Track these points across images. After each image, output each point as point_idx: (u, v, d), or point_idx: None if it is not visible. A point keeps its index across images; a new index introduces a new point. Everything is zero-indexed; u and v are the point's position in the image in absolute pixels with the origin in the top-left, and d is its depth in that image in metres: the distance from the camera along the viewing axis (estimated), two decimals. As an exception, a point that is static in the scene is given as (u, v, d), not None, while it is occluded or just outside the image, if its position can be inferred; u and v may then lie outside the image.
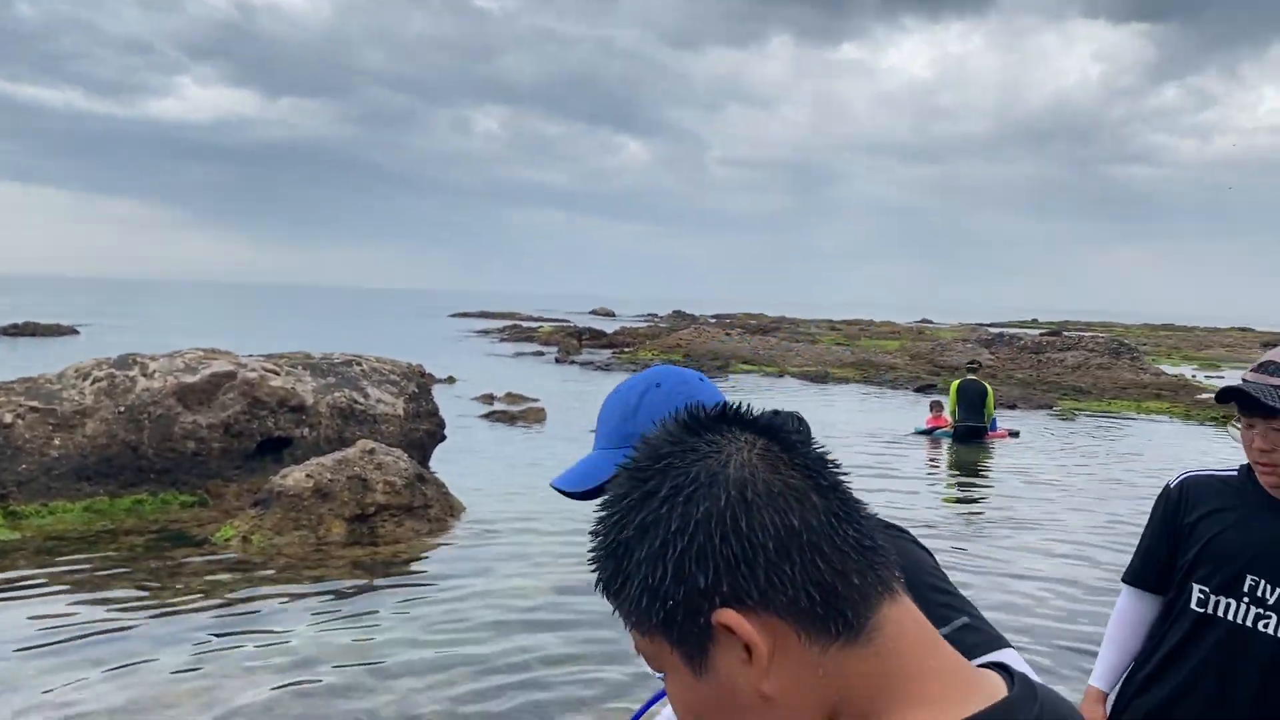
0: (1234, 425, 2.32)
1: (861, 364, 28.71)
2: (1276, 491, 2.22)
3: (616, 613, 0.81)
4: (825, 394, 22.75)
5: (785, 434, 0.80)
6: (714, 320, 50.56)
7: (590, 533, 0.83)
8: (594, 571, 0.82)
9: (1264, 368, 2.17)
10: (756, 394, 22.57)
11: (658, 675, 2.93)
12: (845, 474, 0.81)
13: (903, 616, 0.78)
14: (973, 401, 15.36)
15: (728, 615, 0.74)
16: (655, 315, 73.83)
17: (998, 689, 0.78)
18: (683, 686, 0.79)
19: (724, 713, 0.77)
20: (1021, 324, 75.40)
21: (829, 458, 0.82)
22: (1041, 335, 36.67)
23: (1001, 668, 0.83)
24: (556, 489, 1.64)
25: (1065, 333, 41.55)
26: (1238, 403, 2.19)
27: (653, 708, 3.38)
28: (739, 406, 0.84)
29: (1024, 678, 0.81)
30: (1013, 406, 20.46)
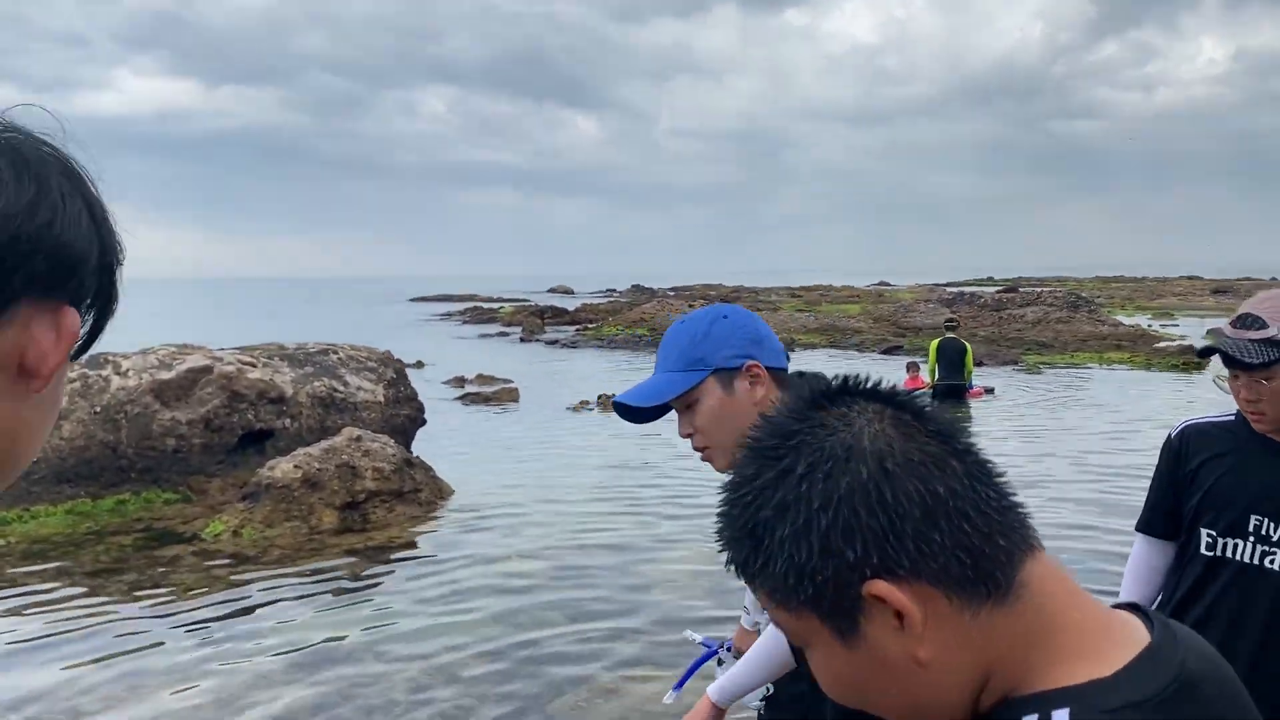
0: (1218, 381, 2.38)
1: (826, 329, 28.89)
2: (1271, 434, 2.28)
3: (757, 590, 0.82)
4: (794, 361, 22.84)
5: (912, 402, 0.82)
6: (673, 293, 50.57)
7: (719, 514, 0.83)
8: (726, 552, 0.83)
9: (1241, 321, 2.22)
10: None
11: (706, 643, 2.91)
12: (973, 437, 0.82)
13: (1045, 572, 0.80)
14: (952, 360, 15.51)
15: (879, 586, 0.75)
16: (614, 291, 73.73)
17: (1140, 633, 0.80)
18: (832, 659, 0.80)
19: (877, 681, 0.79)
20: (978, 282, 76.30)
21: (956, 422, 0.83)
22: (999, 293, 37.11)
23: (1133, 608, 0.85)
24: (620, 406, 1.71)
25: (1021, 289, 42.08)
26: (1221, 358, 2.27)
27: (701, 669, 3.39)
28: (859, 378, 0.85)
29: (1159, 618, 0.82)
30: (980, 363, 20.73)
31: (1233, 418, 2.42)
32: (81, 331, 0.69)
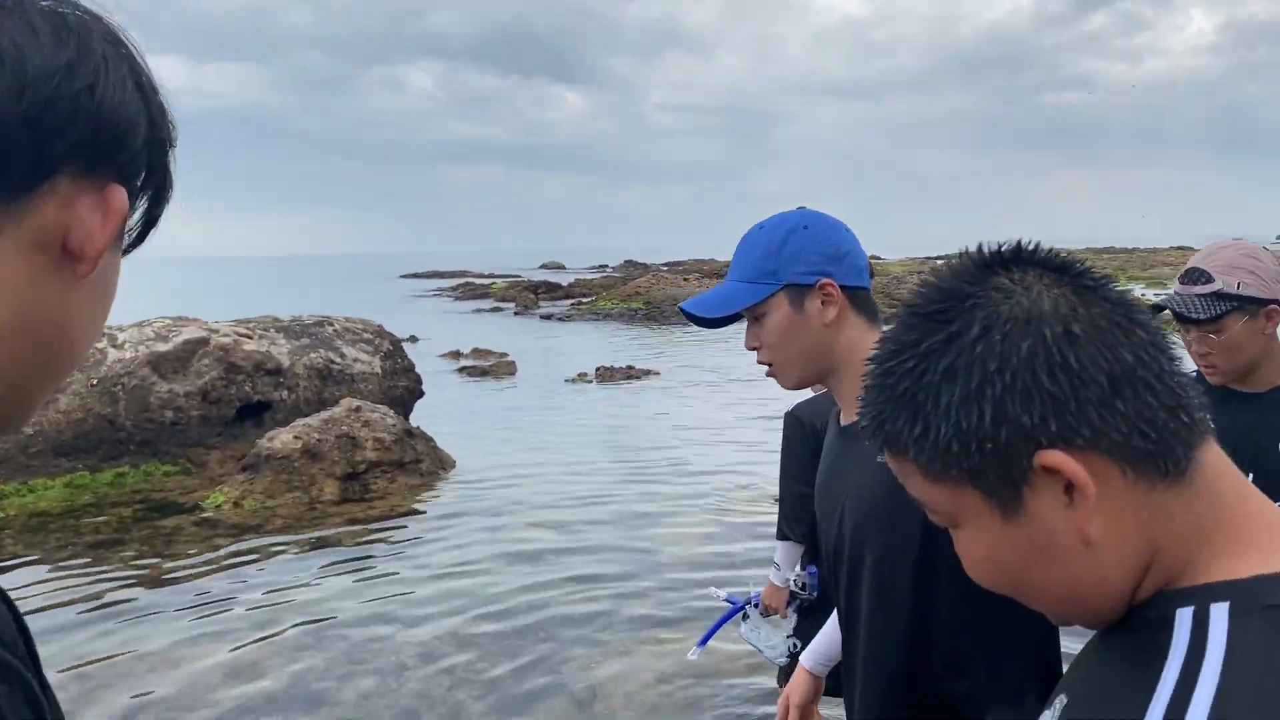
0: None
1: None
2: (1229, 385, 2.28)
3: (905, 464, 0.77)
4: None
5: (1090, 270, 0.77)
6: (666, 268, 50.44)
7: (870, 384, 0.79)
8: (876, 424, 0.78)
9: (1188, 275, 2.23)
10: (724, 338, 22.65)
11: (731, 599, 2.88)
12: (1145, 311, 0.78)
13: (1217, 460, 0.76)
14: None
15: (1054, 456, 0.71)
16: (606, 266, 73.51)
17: None
18: (986, 538, 0.76)
19: (1035, 559, 0.75)
20: (969, 255, 76.04)
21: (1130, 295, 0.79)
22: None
23: None
24: (688, 313, 1.63)
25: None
26: (1172, 314, 2.25)
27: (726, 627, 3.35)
28: (1034, 243, 0.80)
29: None
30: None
31: (1196, 372, 2.42)
32: (135, 218, 0.65)
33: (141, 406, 9.13)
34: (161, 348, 9.40)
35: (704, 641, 3.26)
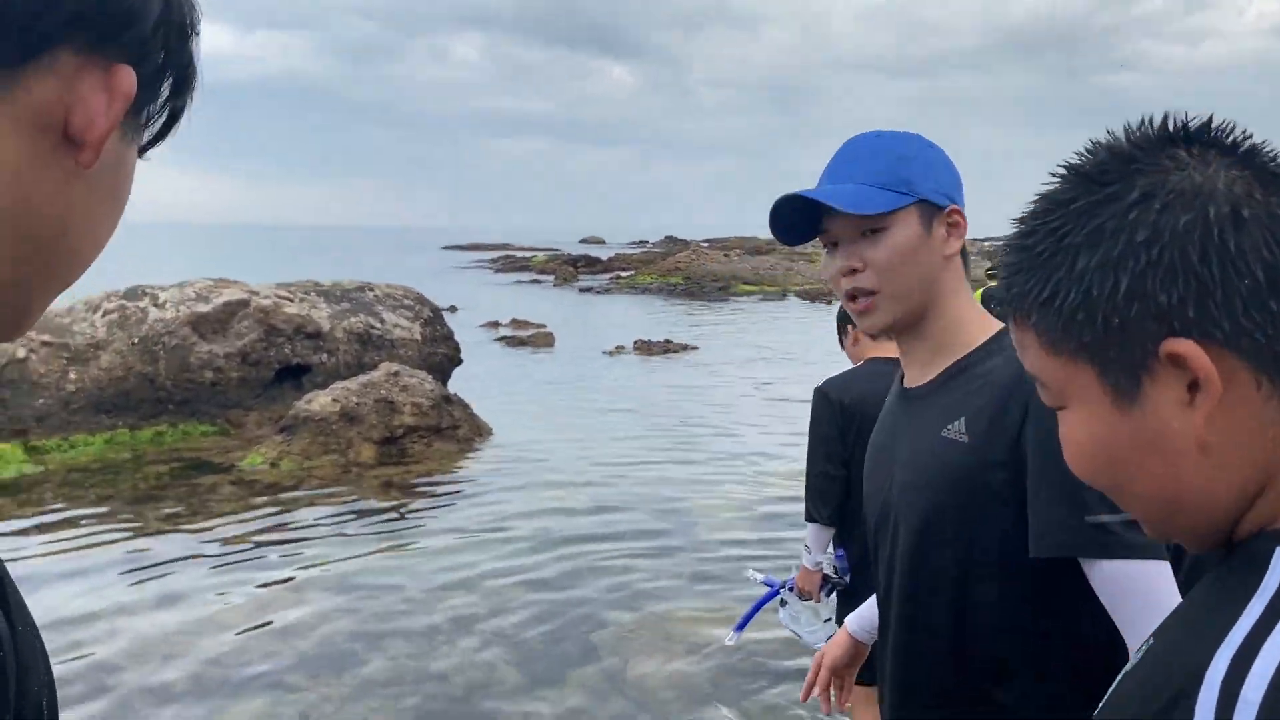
0: None
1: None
2: None
3: (1027, 331, 0.72)
4: (833, 313, 22.64)
5: (1275, 161, 0.69)
6: (707, 244, 50.19)
7: (1010, 240, 0.73)
8: (1004, 284, 0.73)
9: None
10: (764, 314, 22.48)
11: (769, 582, 2.76)
12: None
13: None
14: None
15: (1184, 346, 0.64)
16: (646, 242, 73.34)
17: None
18: (1094, 423, 0.70)
19: (1141, 457, 0.69)
20: (1015, 238, 75.21)
21: None
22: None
23: None
24: (783, 209, 1.42)
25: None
26: None
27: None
28: (1228, 123, 0.71)
29: None
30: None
31: None
32: (155, 109, 0.59)
33: (182, 366, 9.17)
34: (202, 308, 9.43)
35: (741, 626, 3.14)
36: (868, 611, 1.84)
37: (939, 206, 1.42)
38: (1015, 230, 0.73)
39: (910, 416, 1.49)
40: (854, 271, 1.42)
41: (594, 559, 5.84)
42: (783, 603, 3.23)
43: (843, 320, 3.54)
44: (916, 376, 1.49)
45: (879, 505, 1.53)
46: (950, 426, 1.38)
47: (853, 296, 1.45)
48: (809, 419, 3.27)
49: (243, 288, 9.97)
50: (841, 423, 3.14)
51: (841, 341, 3.54)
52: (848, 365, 3.43)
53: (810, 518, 3.26)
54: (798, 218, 1.46)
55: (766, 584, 3.36)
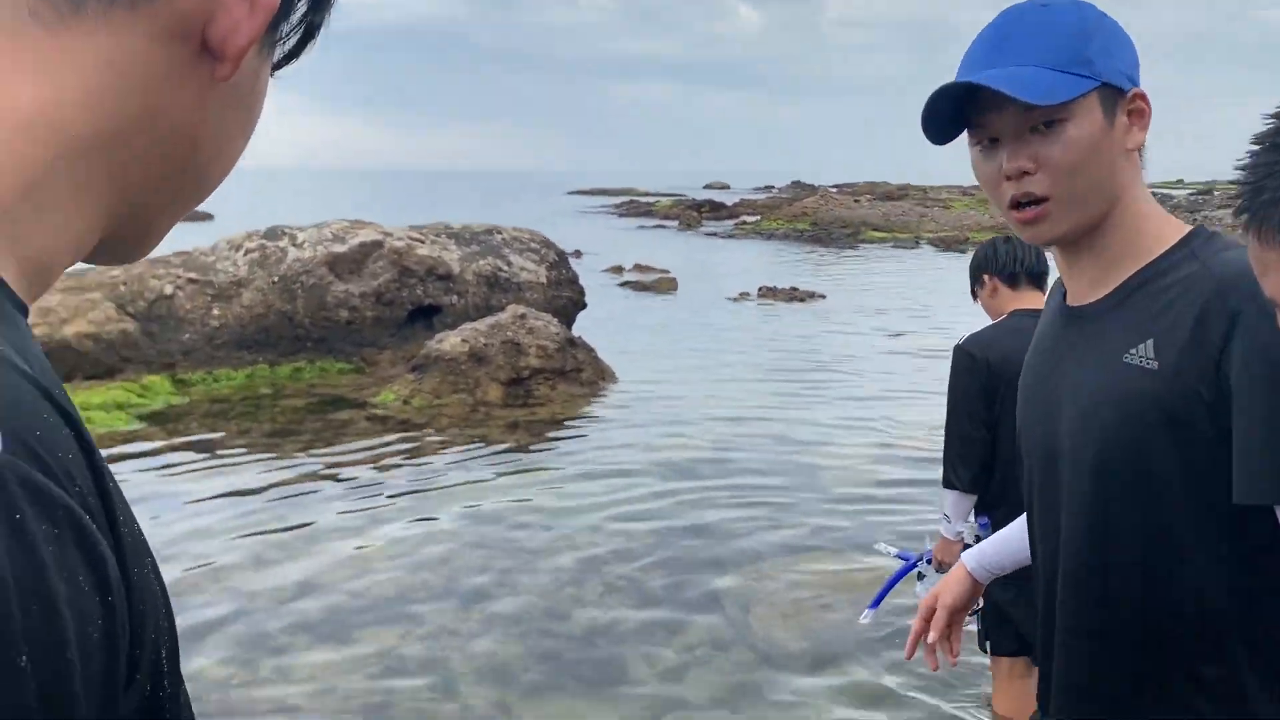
0: None
1: (1003, 228, 27.50)
2: None
3: (1272, 249, 0.70)
4: (968, 261, 21.86)
5: None
6: (835, 190, 49.12)
7: (1255, 148, 0.73)
8: (1251, 194, 0.71)
9: None
10: (895, 262, 21.90)
11: (903, 555, 2.60)
12: None
13: None
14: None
15: None
16: (773, 187, 72.25)
17: None
18: None
19: None
20: (1167, 184, 71.13)
21: None
22: (1193, 195, 34.48)
23: None
24: (941, 100, 1.22)
25: (1216, 191, 39.01)
26: None
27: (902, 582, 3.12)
28: None
29: None
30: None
31: None
32: (292, 23, 0.55)
33: (319, 305, 9.45)
34: (338, 249, 9.67)
35: (876, 603, 3.00)
36: (990, 549, 1.63)
37: (1121, 91, 1.21)
38: (1268, 128, 0.68)
39: (1081, 339, 1.28)
40: (1023, 175, 1.21)
41: (717, 506, 5.79)
42: (920, 576, 3.09)
43: (977, 269, 3.35)
44: (1085, 292, 1.29)
45: (1040, 447, 1.33)
46: (1134, 350, 1.18)
47: (1018, 204, 1.23)
48: (948, 377, 3.11)
49: (377, 229, 10.18)
50: (986, 382, 2.97)
51: (975, 293, 3.35)
52: (984, 319, 3.25)
53: (949, 484, 3.10)
54: (944, 108, 1.24)
55: (901, 558, 3.23)
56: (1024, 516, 1.49)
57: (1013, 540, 1.60)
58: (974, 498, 3.05)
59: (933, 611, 1.59)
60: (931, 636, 1.58)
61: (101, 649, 0.40)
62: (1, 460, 0.38)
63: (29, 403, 0.41)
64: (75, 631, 0.39)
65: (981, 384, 2.97)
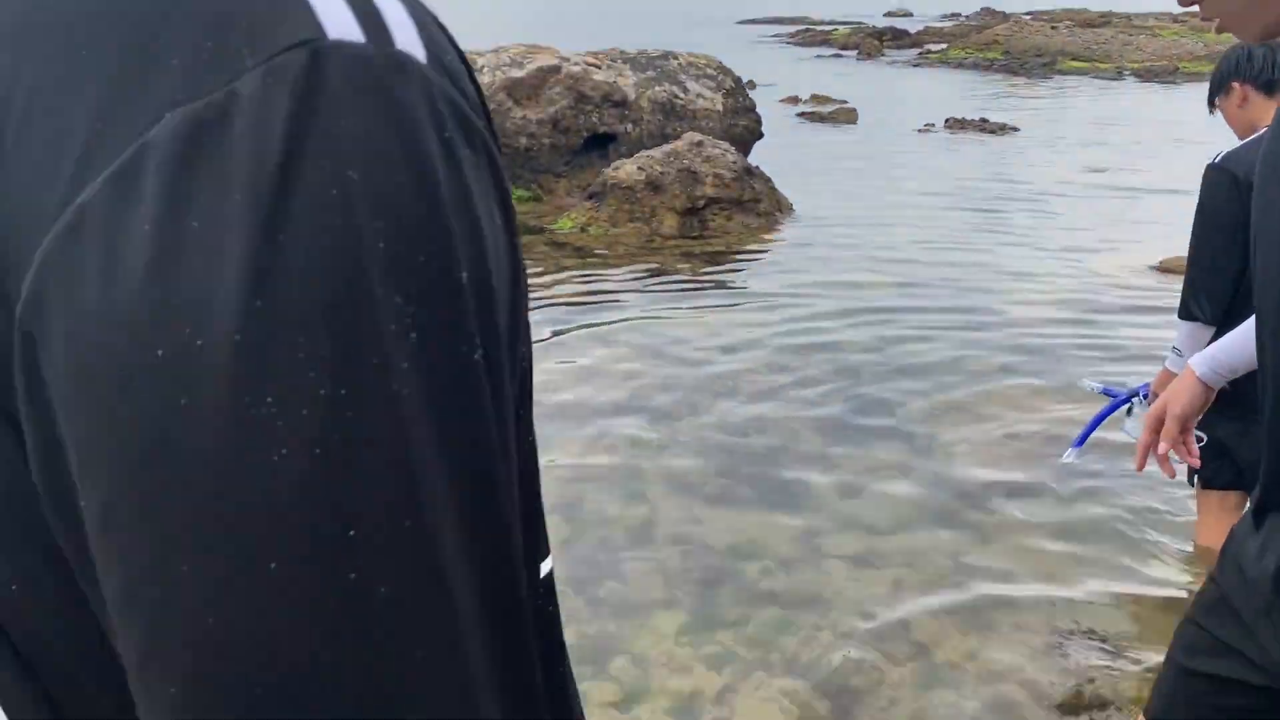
0: None
1: (1217, 57, 25.00)
2: None
3: None
4: (1177, 94, 20.06)
5: None
6: (1029, 16, 45.52)
7: None
8: None
9: None
10: (1095, 94, 20.34)
11: (1110, 392, 2.45)
12: None
13: None
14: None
15: None
16: (959, 15, 67.55)
17: None
18: None
19: None
20: None
21: None
22: None
23: None
24: None
25: None
26: None
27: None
28: None
29: None
30: None
31: None
32: None
33: (500, 132, 9.52)
34: (516, 74, 9.65)
35: (1080, 441, 2.86)
36: (1220, 353, 1.53)
37: None
38: None
39: None
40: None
41: (903, 340, 5.66)
42: (1129, 412, 2.92)
43: (1225, 76, 3.03)
44: None
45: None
46: None
47: None
48: (1197, 202, 2.87)
49: (554, 53, 10.08)
50: (1241, 206, 2.73)
51: (1212, 105, 3.04)
52: (1201, 151, 2.95)
53: (1189, 315, 2.89)
54: None
55: (1108, 394, 3.05)
56: (1250, 320, 1.39)
57: (1240, 341, 1.48)
58: (1212, 330, 2.84)
59: (1160, 422, 1.52)
60: (1162, 447, 1.52)
61: (508, 285, 0.39)
62: (430, 77, 0.35)
63: (436, 27, 0.39)
64: (494, 266, 0.37)
65: (1237, 205, 2.72)
